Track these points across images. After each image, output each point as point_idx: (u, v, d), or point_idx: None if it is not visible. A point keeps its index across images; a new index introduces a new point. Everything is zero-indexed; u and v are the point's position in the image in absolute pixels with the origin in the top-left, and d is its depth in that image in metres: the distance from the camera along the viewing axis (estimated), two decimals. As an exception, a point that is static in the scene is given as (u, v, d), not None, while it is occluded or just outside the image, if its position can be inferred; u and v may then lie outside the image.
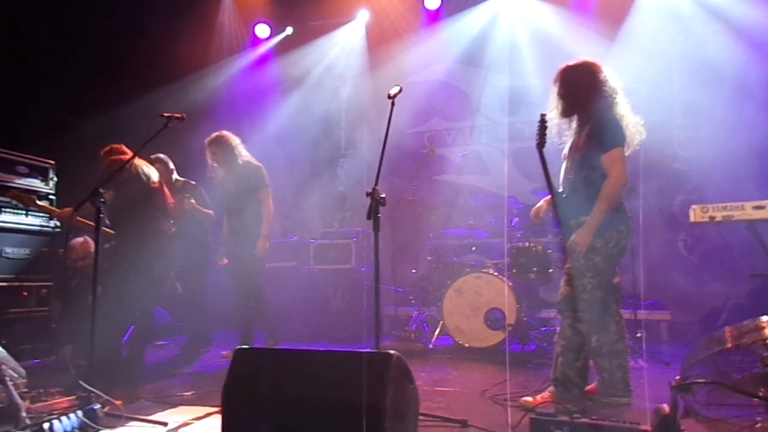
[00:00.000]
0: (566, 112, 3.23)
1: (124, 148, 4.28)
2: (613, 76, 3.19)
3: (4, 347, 3.33)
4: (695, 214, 3.68)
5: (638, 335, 4.97)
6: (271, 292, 5.13)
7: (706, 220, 3.57)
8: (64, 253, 4.67)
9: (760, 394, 1.83)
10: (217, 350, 5.08)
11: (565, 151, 3.31)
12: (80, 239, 4.89)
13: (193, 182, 5.13)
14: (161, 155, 5.12)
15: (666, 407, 2.12)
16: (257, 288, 4.86)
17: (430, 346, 5.16)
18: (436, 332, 5.24)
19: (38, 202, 4.50)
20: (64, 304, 4.64)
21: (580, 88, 3.14)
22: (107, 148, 4.29)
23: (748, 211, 3.41)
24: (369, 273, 6.35)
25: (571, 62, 3.24)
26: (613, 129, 3.03)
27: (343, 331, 5.97)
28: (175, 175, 5.17)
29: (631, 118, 3.15)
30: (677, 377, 2.07)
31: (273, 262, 6.10)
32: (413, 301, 6.16)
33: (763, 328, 1.79)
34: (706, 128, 6.47)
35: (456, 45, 7.46)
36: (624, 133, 3.06)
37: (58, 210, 4.46)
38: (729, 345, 1.84)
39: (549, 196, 3.43)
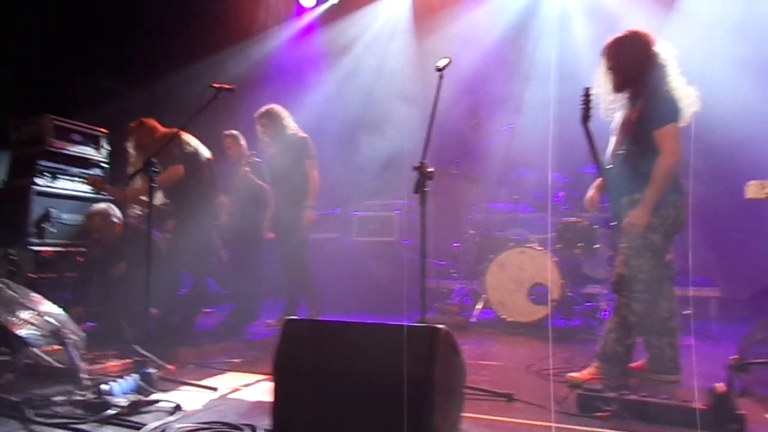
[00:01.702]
0: (618, 87, 3.13)
1: (154, 123, 4.32)
2: (666, 46, 3.07)
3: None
4: (752, 190, 3.54)
5: (686, 312, 4.86)
6: (313, 264, 5.18)
7: (763, 196, 3.44)
8: (86, 222, 4.65)
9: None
10: (262, 318, 5.17)
11: (614, 125, 3.22)
12: (101, 207, 4.55)
13: (258, 159, 5.19)
14: (234, 131, 5.21)
15: (722, 386, 2.08)
16: (302, 259, 4.92)
17: (473, 319, 5.16)
18: (479, 306, 5.23)
19: (107, 186, 4.59)
20: (81, 273, 4.72)
21: (632, 61, 3.04)
22: (136, 123, 4.31)
23: (810, 186, 3.25)
24: (411, 246, 6.34)
25: (621, 34, 3.12)
26: (667, 104, 2.94)
27: (385, 303, 5.99)
28: (244, 148, 5.24)
29: (685, 90, 3.03)
30: (734, 356, 2.01)
31: (316, 233, 6.16)
32: (455, 275, 6.15)
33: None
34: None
35: (505, 14, 7.26)
36: (678, 107, 2.96)
37: (120, 192, 4.51)
38: (794, 326, 1.78)
39: (598, 182, 3.36)
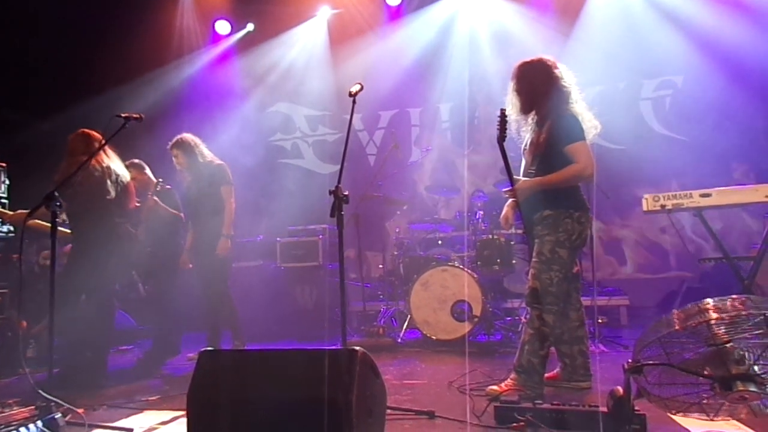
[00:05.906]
0: (524, 109, 3.30)
1: (95, 135, 4.09)
2: (567, 71, 3.27)
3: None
4: (648, 203, 3.84)
5: (600, 321, 5.13)
6: (238, 292, 5.07)
7: (658, 208, 3.72)
8: (19, 259, 4.48)
9: (706, 372, 1.93)
10: (183, 353, 4.99)
11: (525, 146, 3.38)
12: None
13: (168, 186, 5.03)
14: (136, 160, 5.02)
15: (620, 389, 2.22)
16: (221, 289, 4.79)
17: (399, 340, 5.21)
18: (404, 326, 5.29)
19: None
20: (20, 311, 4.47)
21: (536, 84, 3.22)
22: (75, 134, 4.11)
23: (695, 199, 3.58)
24: (336, 270, 6.33)
25: (527, 59, 3.30)
26: (572, 125, 3.11)
27: (312, 328, 5.94)
28: (149, 177, 5.06)
29: (586, 113, 3.24)
30: (629, 360, 2.16)
31: (239, 261, 6.05)
32: (381, 296, 6.20)
33: (707, 310, 1.89)
34: (655, 123, 6.74)
35: (418, 41, 7.54)
36: (582, 127, 3.13)
37: (9, 213, 4.30)
38: (677, 327, 1.94)
39: (512, 201, 3.51)
